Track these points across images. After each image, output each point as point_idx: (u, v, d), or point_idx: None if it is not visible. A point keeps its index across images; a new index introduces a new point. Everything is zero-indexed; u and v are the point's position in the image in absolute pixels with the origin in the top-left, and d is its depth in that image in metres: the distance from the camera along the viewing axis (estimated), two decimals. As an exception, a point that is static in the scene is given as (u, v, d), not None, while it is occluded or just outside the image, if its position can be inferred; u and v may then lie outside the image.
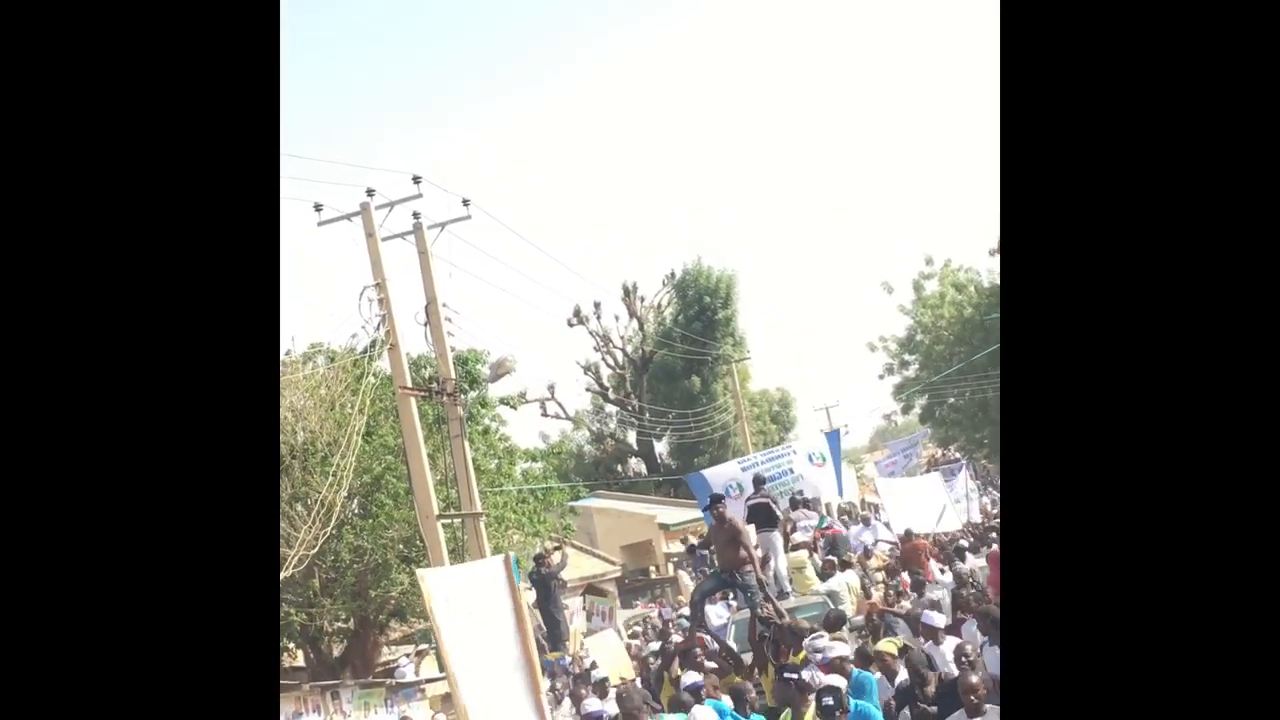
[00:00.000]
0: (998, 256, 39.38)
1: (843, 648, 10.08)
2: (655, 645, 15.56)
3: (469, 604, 10.05)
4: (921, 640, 10.94)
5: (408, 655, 23.67)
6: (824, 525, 19.56)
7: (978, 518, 28.17)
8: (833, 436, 22.73)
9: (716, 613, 15.49)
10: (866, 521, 22.88)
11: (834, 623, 11.91)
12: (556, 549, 21.20)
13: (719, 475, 21.48)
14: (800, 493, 20.74)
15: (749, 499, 18.14)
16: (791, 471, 21.26)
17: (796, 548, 17.51)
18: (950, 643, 10.30)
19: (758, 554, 16.73)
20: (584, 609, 17.95)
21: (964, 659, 9.02)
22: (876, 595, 15.30)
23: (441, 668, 10.29)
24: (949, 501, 24.34)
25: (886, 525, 21.44)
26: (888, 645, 10.48)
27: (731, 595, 15.37)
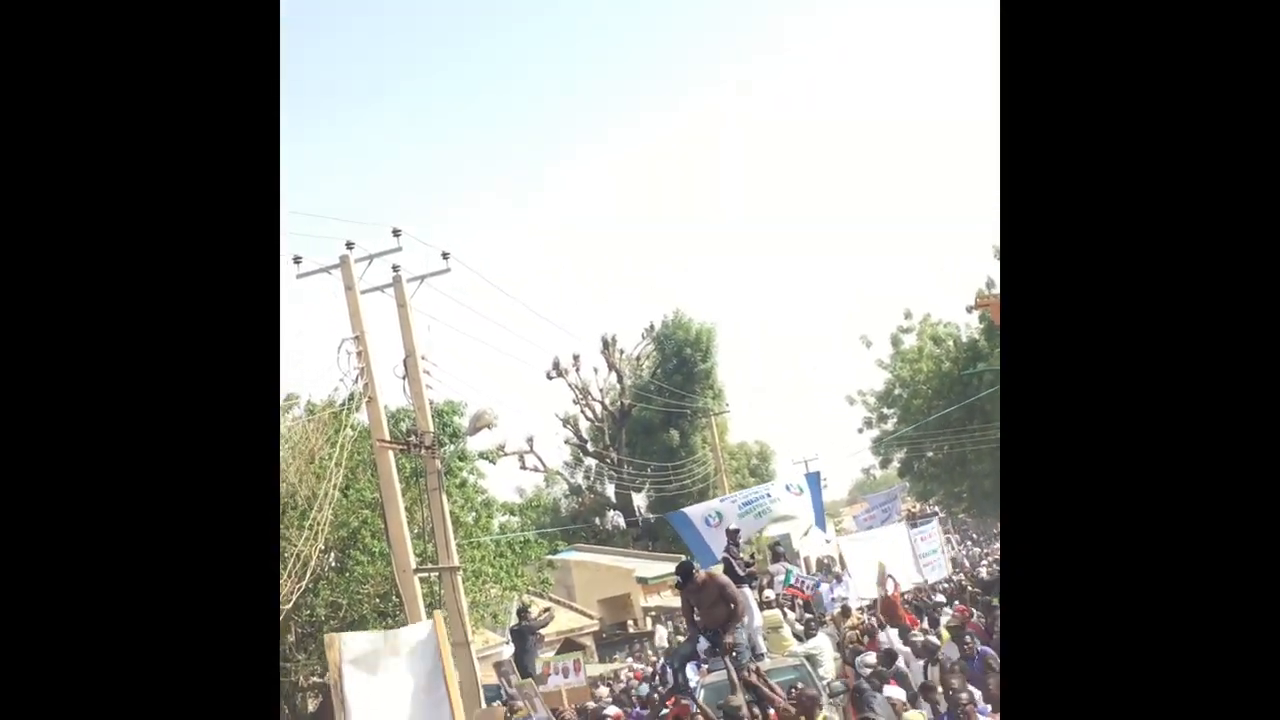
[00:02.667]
0: (976, 313, 39.62)
1: None
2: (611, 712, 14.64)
3: (383, 669, 9.73)
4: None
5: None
6: (790, 582, 19.07)
7: (945, 571, 28.17)
8: (812, 477, 22.60)
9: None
10: (839, 578, 22.79)
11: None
12: (546, 610, 21.05)
13: (699, 512, 21.22)
14: (779, 544, 20.39)
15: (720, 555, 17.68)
16: (769, 496, 20.92)
17: (772, 605, 16.98)
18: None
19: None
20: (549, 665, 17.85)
21: None
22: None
23: None
24: (916, 554, 24.33)
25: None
26: None
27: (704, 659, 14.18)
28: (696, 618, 13.06)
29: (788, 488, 21.38)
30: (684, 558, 16.81)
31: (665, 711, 12.50)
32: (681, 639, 16.90)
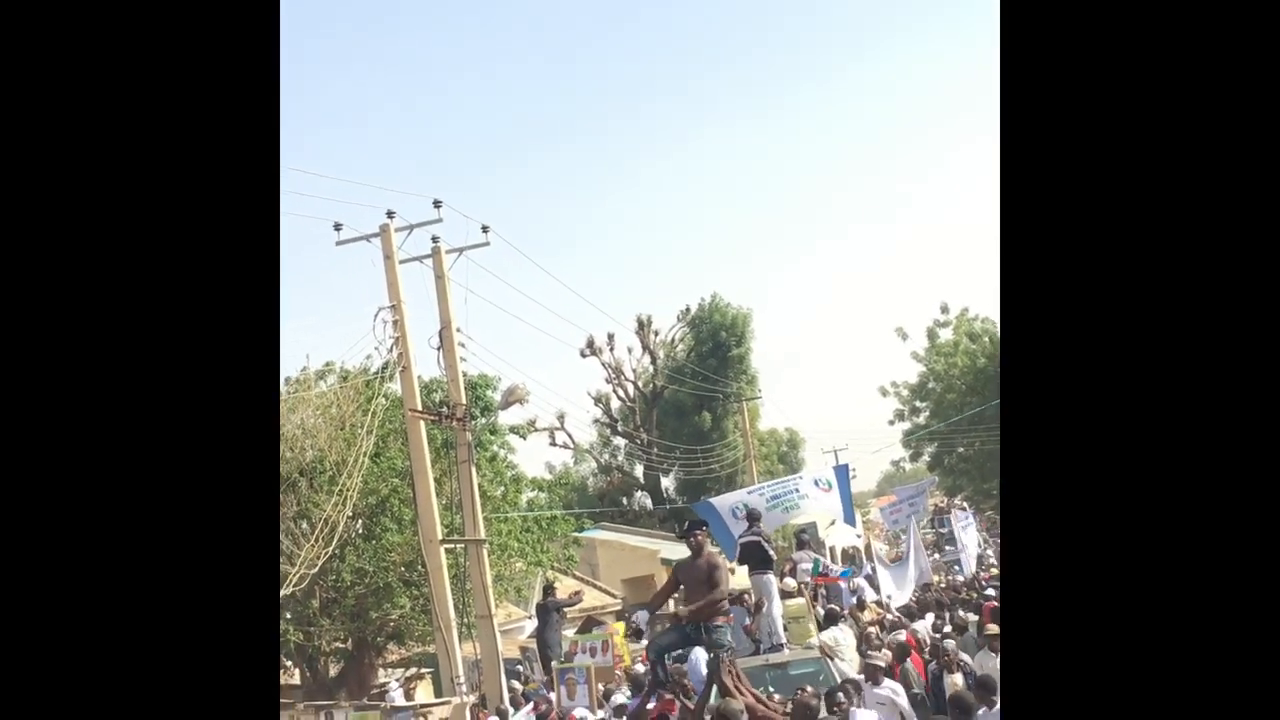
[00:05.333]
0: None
1: None
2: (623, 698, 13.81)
3: None
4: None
5: (397, 679, 23.56)
6: (818, 571, 18.91)
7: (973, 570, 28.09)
8: (841, 470, 22.47)
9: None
10: (860, 569, 22.77)
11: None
12: (576, 593, 21.09)
13: (726, 502, 21.13)
14: (804, 531, 20.27)
15: (740, 536, 17.25)
16: (797, 491, 20.82)
17: (793, 594, 16.42)
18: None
19: (749, 599, 16.09)
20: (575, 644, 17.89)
21: None
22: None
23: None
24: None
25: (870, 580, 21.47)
26: None
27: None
28: (678, 598, 11.90)
29: (816, 482, 21.24)
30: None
31: (651, 705, 11.77)
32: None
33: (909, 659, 14.16)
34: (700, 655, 12.00)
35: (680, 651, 11.93)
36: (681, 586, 11.84)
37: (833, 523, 28.00)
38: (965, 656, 13.89)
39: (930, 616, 18.39)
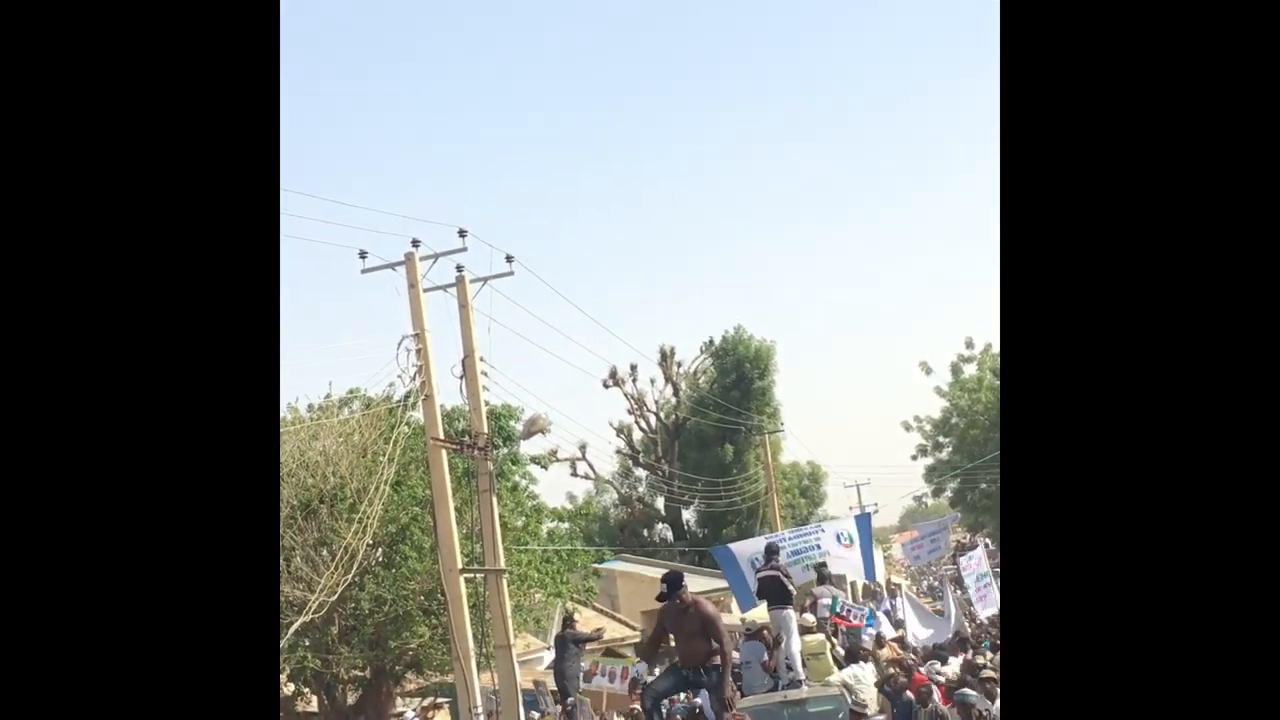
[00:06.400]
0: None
1: None
2: None
3: None
4: None
5: (414, 709, 23.51)
6: (837, 610, 18.63)
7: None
8: (863, 519, 22.37)
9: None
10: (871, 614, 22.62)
11: None
12: (598, 630, 21.07)
13: (746, 549, 21.10)
14: (824, 565, 20.08)
15: (758, 571, 17.12)
16: (819, 548, 20.85)
17: (812, 630, 16.23)
18: None
19: (768, 635, 15.85)
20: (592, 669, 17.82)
21: None
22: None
23: None
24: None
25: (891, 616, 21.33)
26: None
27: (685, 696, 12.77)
28: (674, 644, 11.32)
29: (839, 537, 21.22)
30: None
31: None
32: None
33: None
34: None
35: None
36: (672, 636, 11.21)
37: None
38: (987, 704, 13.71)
39: (960, 657, 18.24)
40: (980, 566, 26.95)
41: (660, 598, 11.19)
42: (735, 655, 12.26)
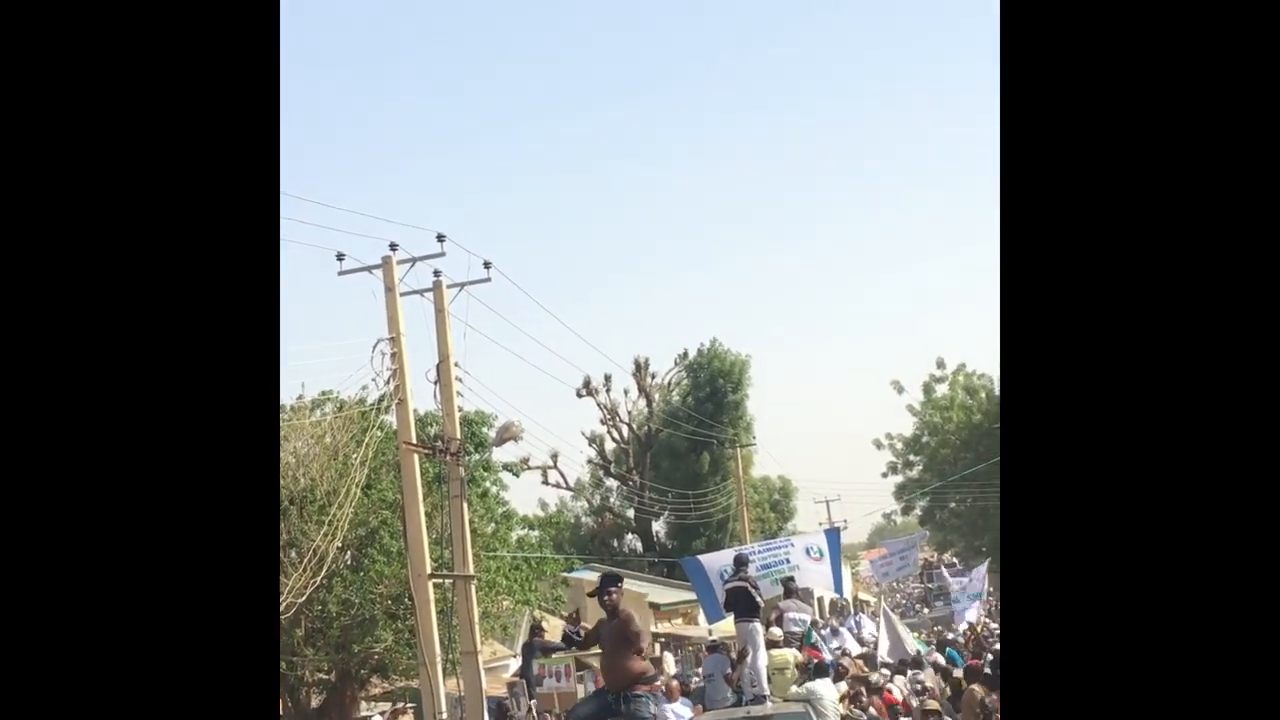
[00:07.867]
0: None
1: None
2: None
3: None
4: None
5: (379, 713, 23.43)
6: (811, 642, 18.41)
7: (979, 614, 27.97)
8: (832, 534, 22.46)
9: None
10: (835, 630, 22.72)
11: None
12: (575, 612, 21.12)
13: (715, 561, 21.12)
14: (791, 579, 20.06)
15: (726, 582, 17.23)
16: (788, 562, 20.89)
17: (779, 644, 16.11)
18: None
19: (733, 646, 15.91)
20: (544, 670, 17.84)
21: None
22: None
23: None
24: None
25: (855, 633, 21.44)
26: None
27: None
28: (598, 653, 10.59)
29: (808, 551, 21.29)
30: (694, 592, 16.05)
31: None
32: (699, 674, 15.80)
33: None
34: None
35: None
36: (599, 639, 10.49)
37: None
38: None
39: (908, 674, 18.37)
40: (976, 586, 27.04)
41: (591, 594, 10.60)
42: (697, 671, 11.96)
